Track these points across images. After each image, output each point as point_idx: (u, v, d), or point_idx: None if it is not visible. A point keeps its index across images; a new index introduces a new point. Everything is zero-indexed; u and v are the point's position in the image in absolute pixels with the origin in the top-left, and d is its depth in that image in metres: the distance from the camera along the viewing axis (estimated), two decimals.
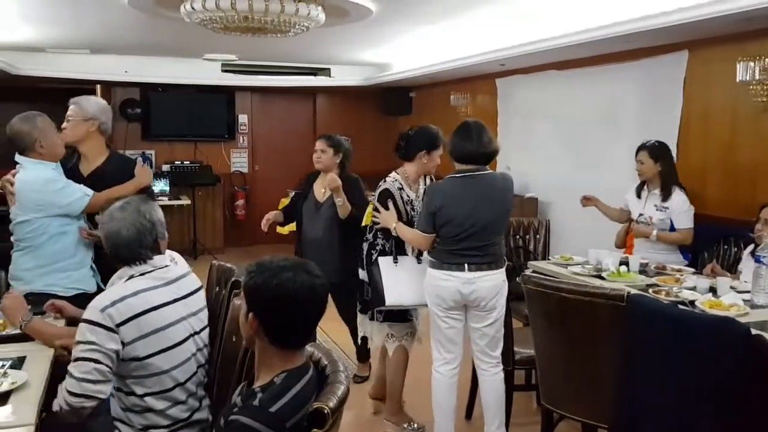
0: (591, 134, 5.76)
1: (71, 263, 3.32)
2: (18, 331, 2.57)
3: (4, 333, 2.60)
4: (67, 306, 2.81)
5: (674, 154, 4.87)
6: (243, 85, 8.85)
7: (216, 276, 3.02)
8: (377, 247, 3.66)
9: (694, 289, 3.29)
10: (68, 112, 3.53)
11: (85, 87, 8.04)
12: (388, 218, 3.52)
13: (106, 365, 2.07)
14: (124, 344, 2.09)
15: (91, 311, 2.09)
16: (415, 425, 3.70)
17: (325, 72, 8.84)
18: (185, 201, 8.35)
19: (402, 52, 7.31)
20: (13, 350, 2.40)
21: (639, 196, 4.34)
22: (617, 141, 5.36)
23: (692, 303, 3.06)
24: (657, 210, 4.16)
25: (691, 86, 4.79)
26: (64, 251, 3.30)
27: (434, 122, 4.80)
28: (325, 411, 1.54)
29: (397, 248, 3.65)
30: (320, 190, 4.36)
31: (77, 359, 2.07)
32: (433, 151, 3.70)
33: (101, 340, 2.06)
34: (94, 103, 3.61)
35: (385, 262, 3.60)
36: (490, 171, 3.33)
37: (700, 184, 4.74)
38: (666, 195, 4.14)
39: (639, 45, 4.92)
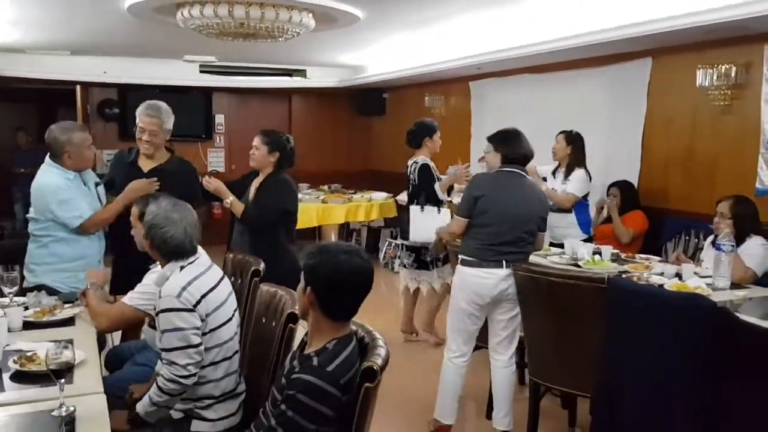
0: None
1: (77, 265, 3.48)
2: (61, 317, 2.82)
3: (53, 318, 2.85)
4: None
5: (639, 153, 5.30)
6: (220, 86, 9.03)
7: (231, 267, 3.28)
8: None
9: (661, 274, 3.66)
10: (150, 125, 3.76)
11: (64, 87, 8.18)
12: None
13: (199, 344, 2.33)
14: (202, 320, 2.36)
15: (167, 301, 2.34)
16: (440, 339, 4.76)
17: (301, 73, 9.07)
18: None
19: (378, 55, 7.60)
20: (61, 334, 2.62)
21: (554, 176, 5.09)
22: (587, 140, 5.69)
23: (661, 287, 3.42)
24: (561, 184, 4.95)
25: (654, 91, 5.20)
26: (68, 254, 3.50)
27: (408, 123, 5.15)
28: (375, 368, 1.84)
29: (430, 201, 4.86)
30: (253, 190, 4.09)
31: (173, 348, 2.31)
32: (434, 135, 5.03)
33: (190, 322, 2.32)
34: (166, 113, 3.87)
35: (414, 210, 4.93)
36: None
37: (663, 180, 5.17)
38: (568, 173, 4.91)
39: (607, 52, 5.30)
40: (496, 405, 3.61)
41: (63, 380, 1.97)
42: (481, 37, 5.86)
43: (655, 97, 5.21)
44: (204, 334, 2.38)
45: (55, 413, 1.95)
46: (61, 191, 3.45)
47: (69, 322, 2.86)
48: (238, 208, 3.91)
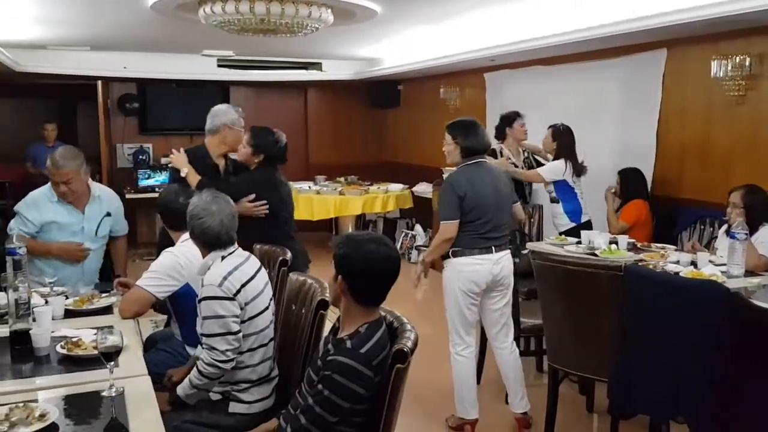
0: (575, 126, 6.15)
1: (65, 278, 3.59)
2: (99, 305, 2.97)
3: (92, 307, 3.01)
4: (130, 282, 3.16)
5: (654, 143, 5.37)
6: (237, 80, 9.14)
7: (260, 258, 3.38)
8: None
9: (677, 263, 3.74)
10: (244, 142, 3.91)
11: (85, 83, 8.32)
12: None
13: (238, 331, 2.46)
14: (241, 309, 2.49)
15: (209, 290, 2.47)
16: None
17: (317, 66, 9.16)
18: None
19: (393, 48, 7.67)
20: (101, 322, 2.76)
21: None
22: (600, 133, 5.80)
23: (676, 275, 3.51)
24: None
25: (669, 82, 5.26)
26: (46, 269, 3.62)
27: (423, 115, 5.25)
28: (405, 350, 1.96)
29: None
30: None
31: (214, 334, 2.44)
32: (514, 123, 5.35)
33: (230, 310, 2.45)
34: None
35: None
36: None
37: (678, 171, 5.23)
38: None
39: (621, 44, 5.36)
40: (510, 390, 3.73)
41: (112, 363, 2.10)
42: (496, 30, 5.93)
43: (669, 87, 5.27)
44: (243, 321, 2.50)
45: (105, 393, 2.08)
46: (28, 201, 3.64)
47: (107, 310, 3.00)
48: (193, 179, 3.84)
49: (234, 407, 2.54)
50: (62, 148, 3.78)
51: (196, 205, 2.59)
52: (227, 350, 2.44)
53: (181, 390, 2.52)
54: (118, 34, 6.61)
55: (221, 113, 4.01)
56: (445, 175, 6.97)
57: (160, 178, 8.62)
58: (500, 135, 5.43)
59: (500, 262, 3.57)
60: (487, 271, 3.54)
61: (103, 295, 3.15)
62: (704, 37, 4.81)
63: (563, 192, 5.08)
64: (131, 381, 2.20)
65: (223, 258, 2.58)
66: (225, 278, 2.48)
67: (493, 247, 3.54)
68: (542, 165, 5.36)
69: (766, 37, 4.44)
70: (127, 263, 4.11)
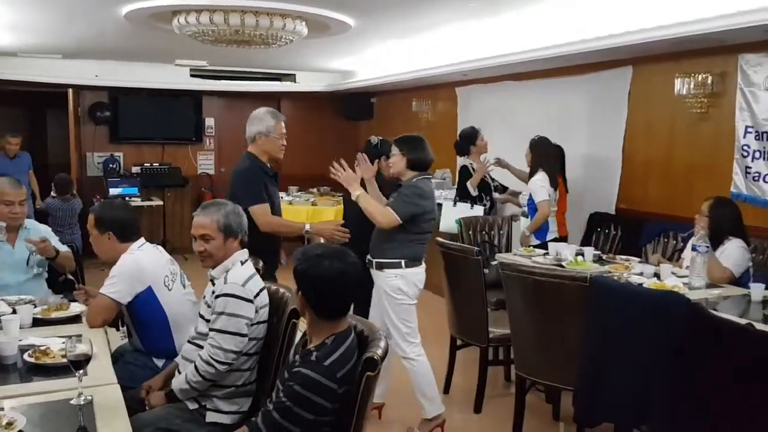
0: None
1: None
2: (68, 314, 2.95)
3: (61, 315, 2.99)
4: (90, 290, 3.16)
5: (620, 159, 5.50)
6: (210, 90, 9.14)
7: None
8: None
9: (641, 274, 3.84)
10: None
11: (55, 91, 8.25)
12: (349, 179, 3.66)
13: (245, 335, 2.49)
14: (256, 312, 2.53)
15: (232, 287, 2.50)
16: None
17: (291, 78, 9.21)
18: (157, 202, 8.59)
19: (366, 61, 7.75)
20: (69, 330, 2.74)
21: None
22: (568, 147, 5.88)
23: (640, 286, 3.59)
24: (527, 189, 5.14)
25: (634, 98, 5.40)
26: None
27: (396, 127, 5.34)
28: (375, 358, 1.99)
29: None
30: None
31: (225, 331, 2.46)
32: (476, 140, 5.45)
33: (247, 312, 2.49)
34: None
35: (447, 204, 5.48)
36: None
37: (642, 185, 5.37)
38: (530, 176, 5.04)
39: (588, 61, 5.50)
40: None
41: (81, 371, 2.10)
42: (467, 45, 6.04)
43: (635, 104, 5.41)
44: (252, 324, 2.54)
45: (73, 402, 2.08)
46: None
47: (76, 319, 2.98)
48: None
49: (211, 417, 2.54)
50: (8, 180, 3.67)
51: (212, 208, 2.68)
52: (231, 351, 2.46)
53: (176, 383, 2.54)
54: (90, 42, 6.59)
55: (256, 120, 3.69)
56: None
57: (130, 187, 8.54)
58: (465, 151, 5.53)
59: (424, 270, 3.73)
60: (425, 277, 3.70)
61: (72, 303, 3.12)
62: (668, 56, 4.96)
63: (533, 209, 5.01)
64: (100, 389, 2.19)
65: (242, 263, 2.64)
66: (247, 281, 2.55)
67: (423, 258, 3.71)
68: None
69: (728, 57, 4.59)
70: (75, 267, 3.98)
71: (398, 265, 3.57)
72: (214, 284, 2.62)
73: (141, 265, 2.88)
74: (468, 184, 5.43)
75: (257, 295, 2.58)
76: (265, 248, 3.51)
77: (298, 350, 2.20)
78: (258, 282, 2.63)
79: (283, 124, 3.73)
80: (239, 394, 2.59)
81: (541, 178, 4.94)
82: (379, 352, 2.02)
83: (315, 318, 2.14)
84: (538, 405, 3.96)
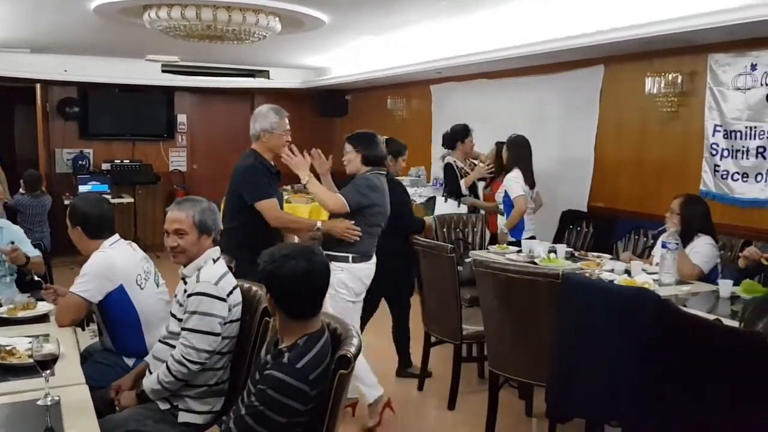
0: None
1: None
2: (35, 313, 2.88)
3: (27, 315, 2.93)
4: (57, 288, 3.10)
5: (592, 157, 5.55)
6: (182, 86, 9.04)
7: None
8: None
9: (612, 271, 3.88)
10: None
11: (23, 86, 8.09)
12: (299, 164, 3.60)
13: (219, 334, 2.45)
14: (229, 310, 2.50)
15: (204, 286, 2.47)
16: None
17: (264, 74, 9.15)
18: (127, 199, 8.47)
19: (341, 58, 7.73)
20: (36, 330, 2.69)
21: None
22: (542, 144, 5.94)
23: (611, 282, 3.63)
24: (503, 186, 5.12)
25: (606, 97, 5.46)
26: None
27: (370, 125, 5.34)
28: (349, 356, 1.98)
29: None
30: None
31: (197, 331, 2.42)
32: (466, 138, 5.46)
33: (220, 311, 2.46)
34: None
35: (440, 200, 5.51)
36: None
37: (614, 183, 5.43)
38: (506, 174, 5.08)
39: (561, 60, 5.54)
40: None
41: (48, 371, 2.06)
42: (442, 43, 6.05)
43: (606, 102, 5.47)
44: (225, 323, 2.51)
45: (40, 402, 2.03)
46: None
47: (44, 318, 2.92)
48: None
49: (184, 417, 2.51)
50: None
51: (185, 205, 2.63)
52: (204, 350, 2.43)
53: (147, 383, 2.50)
54: (59, 36, 6.47)
55: (260, 117, 3.64)
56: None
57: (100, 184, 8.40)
58: (451, 146, 5.55)
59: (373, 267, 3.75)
60: (372, 272, 3.71)
61: (40, 302, 3.06)
62: (639, 55, 5.02)
63: (509, 206, 5.02)
64: (68, 390, 2.15)
65: (214, 260, 2.60)
66: (220, 279, 2.51)
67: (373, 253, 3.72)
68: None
69: (698, 56, 4.66)
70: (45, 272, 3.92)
71: (345, 260, 3.56)
72: (186, 283, 2.58)
73: (112, 264, 2.83)
74: (462, 182, 5.45)
75: (230, 293, 2.54)
76: (267, 246, 3.49)
77: (269, 349, 2.17)
78: (231, 280, 2.60)
79: (286, 120, 3.70)
80: (212, 393, 2.56)
81: (516, 175, 4.97)
82: (353, 350, 2.01)
83: (286, 318, 2.11)
84: (511, 401, 3.98)
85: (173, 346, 2.49)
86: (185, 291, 2.53)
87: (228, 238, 3.60)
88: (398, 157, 4.56)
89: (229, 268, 3.03)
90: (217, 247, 2.67)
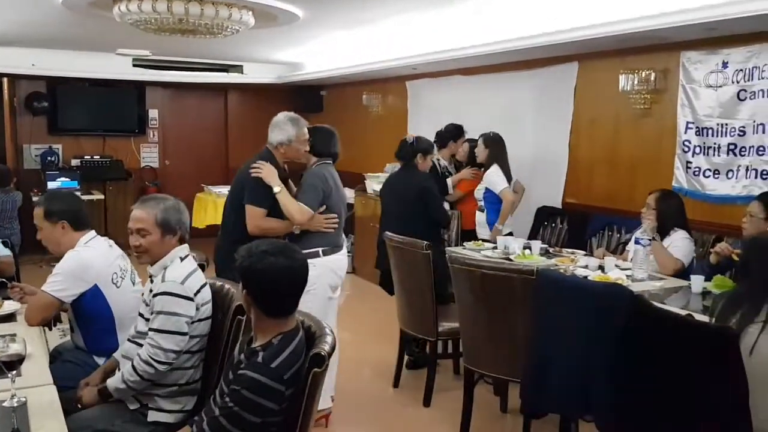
0: None
1: None
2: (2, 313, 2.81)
3: None
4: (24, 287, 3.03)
5: (566, 153, 5.58)
6: (154, 80, 8.90)
7: None
8: None
9: (586, 267, 3.90)
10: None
11: None
12: (269, 175, 3.52)
13: (186, 334, 2.41)
14: (197, 309, 2.45)
15: (171, 285, 2.42)
16: None
17: (238, 69, 9.04)
18: (97, 196, 8.33)
19: (316, 53, 7.66)
20: (3, 329, 2.62)
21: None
22: (516, 141, 5.95)
23: (585, 278, 3.66)
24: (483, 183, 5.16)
25: (580, 94, 5.49)
26: None
27: (346, 121, 5.28)
28: (323, 354, 1.95)
29: None
30: None
31: (164, 331, 2.37)
32: (458, 139, 5.57)
33: (187, 310, 2.41)
34: None
35: None
36: None
37: (588, 180, 5.47)
38: (485, 171, 5.10)
39: (535, 56, 5.56)
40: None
41: (14, 372, 2.00)
42: (417, 39, 6.03)
43: (580, 99, 5.50)
44: (193, 322, 2.46)
45: (6, 404, 1.98)
46: None
47: (10, 318, 2.85)
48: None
49: (153, 416, 2.46)
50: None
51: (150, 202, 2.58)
52: (171, 351, 2.39)
53: (112, 383, 2.45)
54: (26, 29, 6.32)
55: (277, 129, 3.62)
56: (367, 182, 7.05)
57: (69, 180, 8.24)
58: (443, 144, 5.56)
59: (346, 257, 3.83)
60: (347, 262, 3.80)
61: (7, 302, 2.99)
62: (613, 52, 5.05)
63: (491, 202, 5.07)
64: (35, 391, 2.10)
65: (181, 259, 2.54)
66: (187, 278, 2.46)
67: (344, 244, 3.78)
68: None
69: (671, 54, 4.70)
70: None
71: (315, 255, 3.52)
72: (153, 282, 2.53)
73: (86, 264, 2.77)
74: (449, 181, 5.49)
75: (198, 292, 2.49)
76: None
77: (243, 348, 2.13)
78: (199, 278, 2.55)
79: (305, 130, 3.67)
80: (183, 392, 2.52)
81: (495, 171, 5.00)
82: (326, 347, 1.99)
83: (261, 316, 2.08)
84: (486, 397, 3.99)
85: (141, 345, 2.45)
86: (151, 290, 2.48)
87: (224, 233, 3.65)
88: (427, 155, 4.76)
89: (201, 266, 3.00)
90: (185, 245, 2.62)
